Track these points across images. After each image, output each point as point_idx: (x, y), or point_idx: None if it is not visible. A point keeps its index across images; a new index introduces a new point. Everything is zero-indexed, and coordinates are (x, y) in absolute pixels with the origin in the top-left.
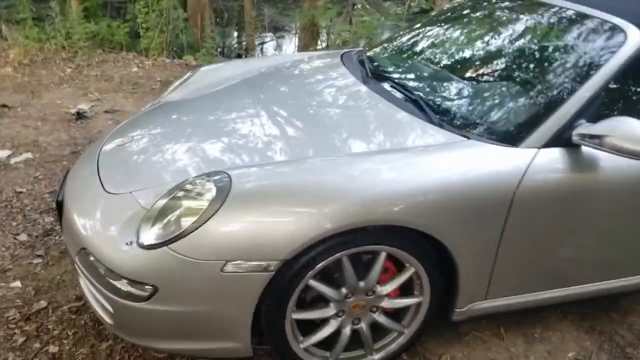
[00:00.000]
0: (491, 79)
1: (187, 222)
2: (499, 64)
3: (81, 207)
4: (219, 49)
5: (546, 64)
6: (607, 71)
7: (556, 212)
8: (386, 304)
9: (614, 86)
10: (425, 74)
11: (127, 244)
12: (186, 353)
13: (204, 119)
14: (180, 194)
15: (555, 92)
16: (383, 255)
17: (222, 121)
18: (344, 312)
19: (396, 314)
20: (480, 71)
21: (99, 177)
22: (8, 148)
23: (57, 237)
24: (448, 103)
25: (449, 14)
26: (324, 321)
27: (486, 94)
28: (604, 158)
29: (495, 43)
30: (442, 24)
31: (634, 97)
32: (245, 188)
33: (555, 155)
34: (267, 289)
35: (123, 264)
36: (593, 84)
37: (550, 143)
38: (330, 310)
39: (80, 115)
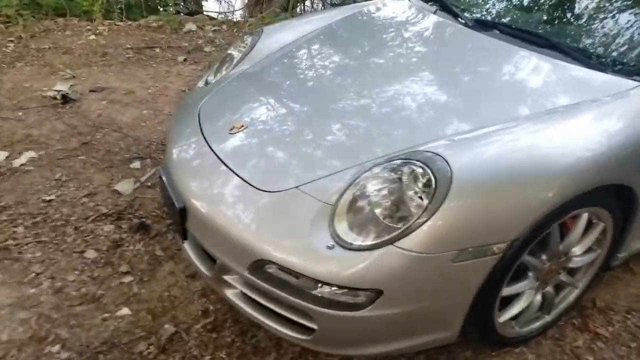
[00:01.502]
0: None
1: (404, 214)
2: None
3: (232, 212)
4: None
5: None
6: None
7: None
8: (573, 263)
9: None
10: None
11: (328, 247)
12: (396, 352)
13: (328, 89)
14: (375, 182)
15: None
16: (585, 216)
17: (354, 91)
18: (539, 279)
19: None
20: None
21: (236, 174)
22: (0, 149)
23: (130, 247)
24: (602, 43)
25: None
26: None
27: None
28: None
29: None
30: None
31: None
32: (467, 169)
33: None
34: (490, 272)
35: (334, 272)
36: None
37: None
38: (531, 280)
39: (66, 99)
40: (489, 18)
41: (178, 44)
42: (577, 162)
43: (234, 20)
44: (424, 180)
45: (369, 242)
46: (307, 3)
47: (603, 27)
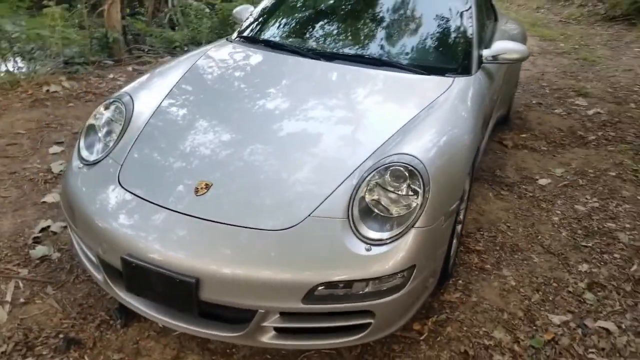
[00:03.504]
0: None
1: (408, 202)
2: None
3: (261, 261)
4: None
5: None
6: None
7: None
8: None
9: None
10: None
11: (367, 250)
12: (416, 312)
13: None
14: (372, 188)
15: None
16: None
17: (271, 121)
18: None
19: None
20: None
21: (240, 226)
22: None
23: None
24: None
25: None
26: None
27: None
28: (493, 67)
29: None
30: None
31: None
32: (431, 162)
33: (480, 74)
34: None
35: (383, 266)
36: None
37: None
38: None
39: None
40: (315, 45)
41: None
42: (466, 143)
43: None
44: (411, 175)
45: (395, 232)
46: None
47: (424, 46)
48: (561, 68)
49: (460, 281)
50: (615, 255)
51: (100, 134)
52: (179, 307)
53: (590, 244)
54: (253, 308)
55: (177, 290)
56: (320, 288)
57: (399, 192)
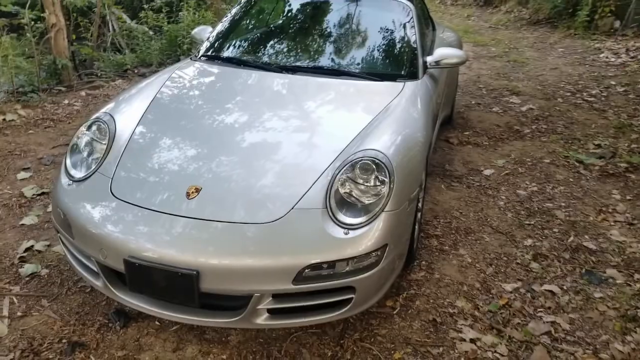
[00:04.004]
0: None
1: (376, 191)
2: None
3: (255, 249)
4: None
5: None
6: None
7: None
8: None
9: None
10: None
11: (345, 234)
12: (388, 289)
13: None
14: (345, 180)
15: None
16: None
17: (247, 124)
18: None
19: None
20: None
21: (230, 222)
22: None
23: None
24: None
25: None
26: None
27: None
28: (436, 72)
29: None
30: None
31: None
32: (394, 155)
33: (426, 78)
34: (415, 208)
35: (361, 247)
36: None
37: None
38: None
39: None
40: (283, 61)
41: None
42: (420, 139)
43: None
44: (377, 167)
45: (368, 216)
46: None
47: (375, 55)
48: (494, 70)
49: (423, 262)
50: (555, 229)
51: (84, 153)
52: (182, 299)
53: (532, 222)
54: (250, 293)
55: (179, 284)
56: (307, 270)
57: (368, 184)
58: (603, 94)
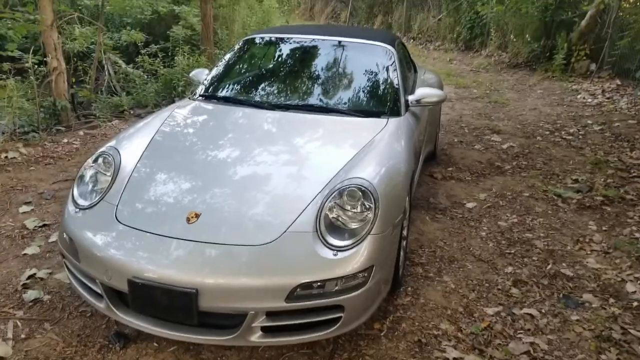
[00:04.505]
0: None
1: (362, 217)
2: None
3: (250, 269)
4: None
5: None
6: (398, 69)
7: None
8: None
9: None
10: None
11: (334, 255)
12: (374, 311)
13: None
14: (333, 207)
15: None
16: None
17: (243, 156)
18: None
19: None
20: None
21: (227, 244)
22: None
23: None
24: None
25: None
26: None
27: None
28: (418, 110)
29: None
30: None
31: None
32: (379, 183)
33: (408, 115)
34: (400, 234)
35: (348, 267)
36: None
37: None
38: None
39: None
40: (277, 99)
41: None
42: (402, 170)
43: None
44: (363, 194)
45: (356, 239)
46: None
47: (361, 94)
48: (476, 110)
49: (409, 288)
50: (534, 258)
51: (90, 183)
52: (181, 317)
53: (513, 251)
54: (245, 311)
55: (179, 302)
56: (299, 289)
57: (355, 210)
58: (580, 133)
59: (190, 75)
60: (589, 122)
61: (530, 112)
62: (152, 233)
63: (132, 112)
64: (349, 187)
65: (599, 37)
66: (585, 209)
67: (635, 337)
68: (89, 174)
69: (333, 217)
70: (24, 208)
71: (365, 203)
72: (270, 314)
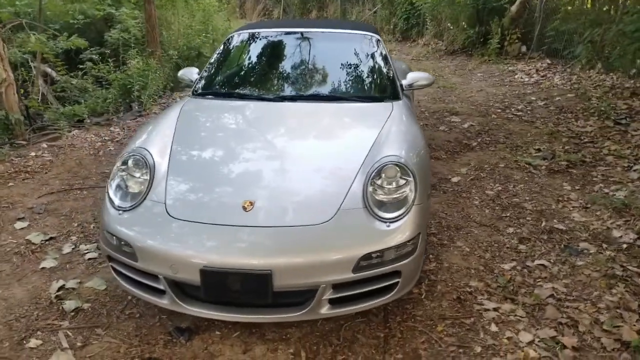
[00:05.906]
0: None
1: (403, 190)
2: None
3: (318, 244)
4: None
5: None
6: (388, 55)
7: None
8: None
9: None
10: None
11: (387, 226)
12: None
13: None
14: (376, 184)
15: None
16: None
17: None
18: None
19: None
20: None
21: (288, 226)
22: None
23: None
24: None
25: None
26: None
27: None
28: (408, 93)
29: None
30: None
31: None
32: (410, 160)
33: (404, 99)
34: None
35: (402, 236)
36: (390, 64)
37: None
38: None
39: None
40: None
41: None
42: (421, 144)
43: None
44: (401, 169)
45: (404, 210)
46: None
47: (365, 82)
48: (430, 96)
49: (431, 255)
50: (528, 218)
51: (127, 185)
52: (256, 299)
53: (508, 214)
54: (316, 285)
55: (254, 284)
56: (362, 260)
57: (394, 185)
58: (528, 108)
59: (179, 75)
60: (533, 98)
61: (479, 94)
62: (212, 224)
63: (89, 121)
64: (386, 164)
65: (527, 22)
66: (556, 172)
67: (634, 272)
68: (122, 176)
69: (377, 193)
70: (19, 224)
71: (404, 177)
72: (336, 287)
